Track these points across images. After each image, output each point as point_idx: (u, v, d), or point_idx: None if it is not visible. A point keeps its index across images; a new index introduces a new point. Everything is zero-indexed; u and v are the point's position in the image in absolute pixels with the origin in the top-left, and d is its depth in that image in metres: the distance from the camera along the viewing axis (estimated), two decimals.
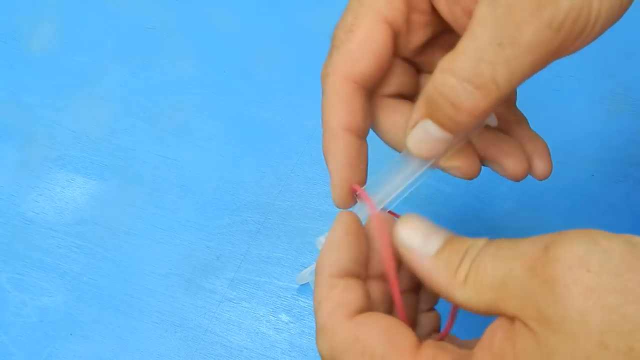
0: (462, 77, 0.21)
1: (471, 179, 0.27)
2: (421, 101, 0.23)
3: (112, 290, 0.43)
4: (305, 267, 0.42)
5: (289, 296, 0.42)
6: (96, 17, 0.54)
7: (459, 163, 0.26)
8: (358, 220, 0.24)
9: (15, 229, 0.46)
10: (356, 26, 0.24)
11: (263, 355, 0.40)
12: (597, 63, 0.46)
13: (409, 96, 0.28)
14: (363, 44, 0.24)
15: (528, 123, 0.29)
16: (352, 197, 0.26)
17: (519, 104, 0.47)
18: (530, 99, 0.46)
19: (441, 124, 0.22)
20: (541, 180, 0.28)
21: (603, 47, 0.47)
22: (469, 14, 0.22)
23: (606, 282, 0.17)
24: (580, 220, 0.42)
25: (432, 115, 0.22)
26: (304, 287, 0.42)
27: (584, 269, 0.18)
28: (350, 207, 0.26)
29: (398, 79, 0.27)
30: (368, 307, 0.22)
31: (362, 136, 0.26)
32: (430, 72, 0.26)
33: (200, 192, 0.46)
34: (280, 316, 0.41)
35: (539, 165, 0.28)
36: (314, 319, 0.42)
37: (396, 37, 0.25)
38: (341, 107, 0.25)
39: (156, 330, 0.42)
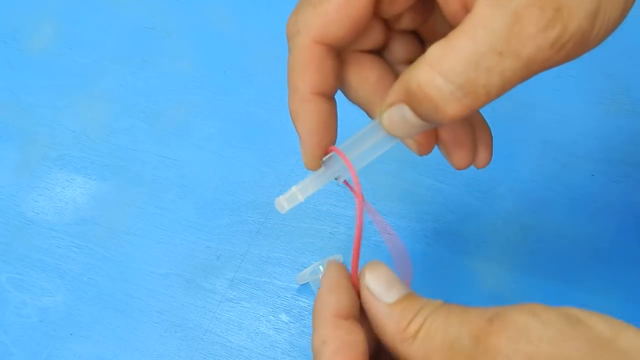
0: (452, 81, 0.20)
1: (423, 155, 0.27)
2: (401, 88, 0.22)
3: (112, 290, 0.43)
4: (305, 267, 0.42)
5: (289, 296, 0.42)
6: (96, 17, 0.54)
7: (418, 140, 0.26)
8: (347, 272, 0.24)
9: (15, 229, 0.46)
10: None
11: (263, 355, 0.40)
12: (597, 63, 0.46)
13: (379, 50, 0.27)
14: (343, 7, 0.23)
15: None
16: (319, 162, 0.26)
17: (518, 103, 0.47)
18: (530, 99, 0.46)
19: (419, 115, 0.22)
20: (478, 169, 0.29)
21: (603, 47, 0.47)
22: (464, 6, 0.21)
23: (544, 352, 0.18)
24: (580, 220, 0.42)
25: (411, 105, 0.22)
26: (304, 287, 0.42)
27: (524, 340, 0.19)
28: (316, 168, 0.26)
29: (370, 36, 0.26)
30: (371, 351, 0.23)
31: (331, 97, 0.25)
32: (403, 29, 0.26)
33: (200, 192, 0.46)
34: (280, 316, 0.41)
35: (481, 156, 0.28)
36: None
37: (379, 1, 0.24)
38: (311, 71, 0.24)
39: (156, 330, 0.42)
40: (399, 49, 0.27)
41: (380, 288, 0.23)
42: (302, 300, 0.41)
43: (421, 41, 0.28)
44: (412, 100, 0.21)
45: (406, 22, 0.26)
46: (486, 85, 0.20)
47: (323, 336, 0.22)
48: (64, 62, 0.52)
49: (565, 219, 0.42)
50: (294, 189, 0.26)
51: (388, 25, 0.26)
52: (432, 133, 0.27)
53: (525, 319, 0.19)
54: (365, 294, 0.23)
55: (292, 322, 0.41)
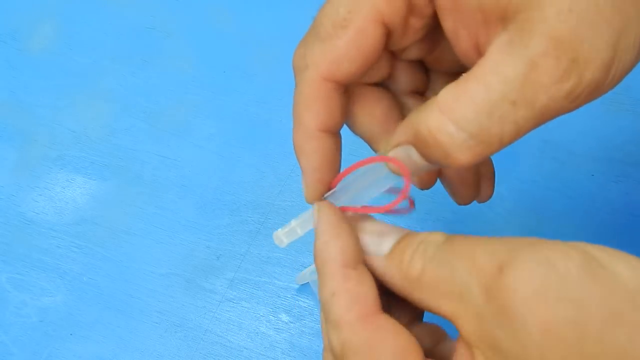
0: (464, 128, 0.19)
1: (424, 190, 0.27)
2: (409, 130, 0.21)
3: (112, 290, 0.43)
4: (305, 267, 0.42)
5: (289, 296, 0.42)
6: (96, 17, 0.54)
7: (420, 176, 0.26)
8: (338, 209, 0.24)
9: (15, 229, 0.46)
10: (349, 21, 0.22)
11: (263, 356, 0.40)
12: None
13: (385, 83, 0.27)
14: (354, 44, 0.22)
15: None
16: (323, 194, 0.25)
17: None
18: None
19: (427, 158, 0.21)
20: (480, 203, 0.28)
21: None
22: (475, 46, 0.21)
23: (564, 315, 0.17)
24: (580, 220, 0.42)
25: (419, 148, 0.21)
26: (304, 287, 0.42)
27: (542, 301, 0.17)
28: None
29: (378, 69, 0.25)
30: (380, 301, 0.22)
31: (337, 133, 0.25)
32: (409, 59, 0.26)
33: (200, 192, 0.46)
34: (281, 316, 0.41)
35: (484, 192, 0.28)
36: (314, 319, 0.42)
37: (389, 37, 0.23)
38: (318, 107, 0.23)
39: (156, 330, 0.42)
40: (405, 79, 0.26)
41: (371, 246, 0.22)
42: (302, 301, 0.41)
43: (426, 69, 0.27)
44: (421, 144, 0.21)
45: (414, 53, 0.25)
46: (499, 134, 0.19)
47: (332, 288, 0.21)
48: (64, 62, 0.52)
49: (565, 219, 0.42)
50: (293, 223, 0.25)
51: (394, 56, 0.26)
52: (434, 170, 0.26)
53: (541, 273, 0.17)
54: (366, 260, 0.22)
55: (292, 322, 0.41)
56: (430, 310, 0.20)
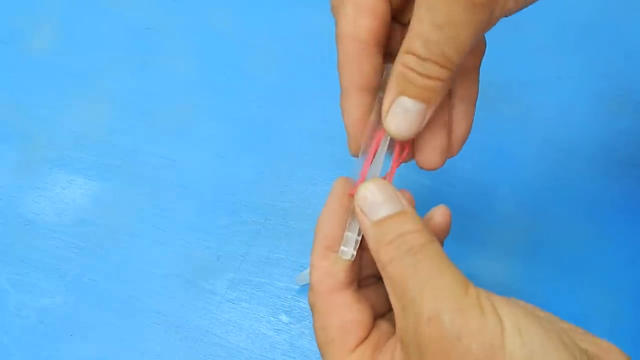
0: (419, 55, 0.23)
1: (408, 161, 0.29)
2: (393, 81, 0.25)
3: (112, 291, 0.43)
4: (305, 268, 0.42)
5: (289, 297, 0.42)
6: (96, 18, 0.54)
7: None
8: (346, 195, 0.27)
9: (15, 229, 0.46)
10: None
11: (263, 356, 0.40)
12: (597, 63, 0.46)
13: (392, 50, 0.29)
14: (360, 4, 0.26)
15: (473, 100, 0.29)
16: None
17: (518, 103, 0.47)
18: (530, 99, 0.46)
19: (415, 96, 0.24)
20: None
21: (603, 48, 0.47)
22: None
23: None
24: (580, 221, 0.42)
25: (405, 90, 0.25)
26: (304, 288, 0.42)
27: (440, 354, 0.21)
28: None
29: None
30: (352, 278, 0.27)
31: (374, 92, 0.27)
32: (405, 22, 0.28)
33: (200, 192, 0.46)
34: (281, 317, 0.41)
35: (455, 142, 0.29)
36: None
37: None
38: (350, 68, 0.26)
39: (156, 331, 0.42)
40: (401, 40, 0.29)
41: (367, 206, 0.25)
42: (302, 301, 0.41)
43: None
44: (404, 84, 0.24)
45: (408, 15, 0.27)
46: (443, 53, 0.23)
47: (312, 262, 0.27)
48: (64, 63, 0.52)
49: (565, 219, 0.42)
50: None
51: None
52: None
53: (449, 344, 0.21)
54: (356, 210, 0.25)
55: (292, 323, 0.41)
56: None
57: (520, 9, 0.25)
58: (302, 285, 0.42)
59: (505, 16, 0.24)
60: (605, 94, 0.45)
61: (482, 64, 0.29)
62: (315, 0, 0.50)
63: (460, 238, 0.42)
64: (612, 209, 0.42)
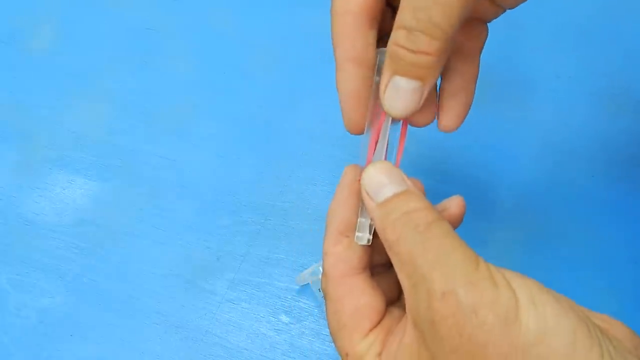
0: (409, 28, 0.23)
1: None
2: (387, 61, 0.25)
3: (112, 291, 0.43)
4: (306, 268, 0.42)
5: (289, 297, 0.42)
6: (95, 18, 0.54)
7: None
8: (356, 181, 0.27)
9: (15, 230, 0.46)
10: None
11: (263, 357, 0.40)
12: (597, 63, 0.46)
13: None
14: None
15: (474, 78, 0.29)
16: (361, 125, 0.28)
17: (518, 103, 0.47)
18: (530, 99, 0.46)
19: (408, 74, 0.24)
20: (441, 130, 0.30)
21: (603, 47, 0.47)
22: None
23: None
24: (580, 221, 0.42)
25: (398, 68, 0.24)
26: (304, 288, 0.42)
27: (455, 332, 0.21)
28: (359, 132, 0.28)
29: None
30: (365, 264, 0.27)
31: (367, 65, 0.27)
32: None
33: (200, 192, 0.46)
34: (281, 317, 0.41)
35: (451, 117, 0.29)
36: (314, 320, 0.42)
37: None
38: (343, 41, 0.27)
39: (156, 331, 0.42)
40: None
41: (373, 187, 0.25)
42: (302, 302, 0.41)
43: None
44: (397, 63, 0.24)
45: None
46: (431, 20, 0.23)
47: (325, 248, 0.27)
48: (64, 63, 0.52)
49: (565, 219, 0.42)
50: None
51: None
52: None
53: (463, 316, 0.21)
54: (362, 194, 0.25)
55: (292, 323, 0.41)
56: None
57: None
58: (302, 286, 0.42)
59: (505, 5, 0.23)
60: (605, 94, 0.45)
61: (481, 64, 0.29)
62: (315, 0, 0.50)
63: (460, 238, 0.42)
64: (613, 209, 0.42)
